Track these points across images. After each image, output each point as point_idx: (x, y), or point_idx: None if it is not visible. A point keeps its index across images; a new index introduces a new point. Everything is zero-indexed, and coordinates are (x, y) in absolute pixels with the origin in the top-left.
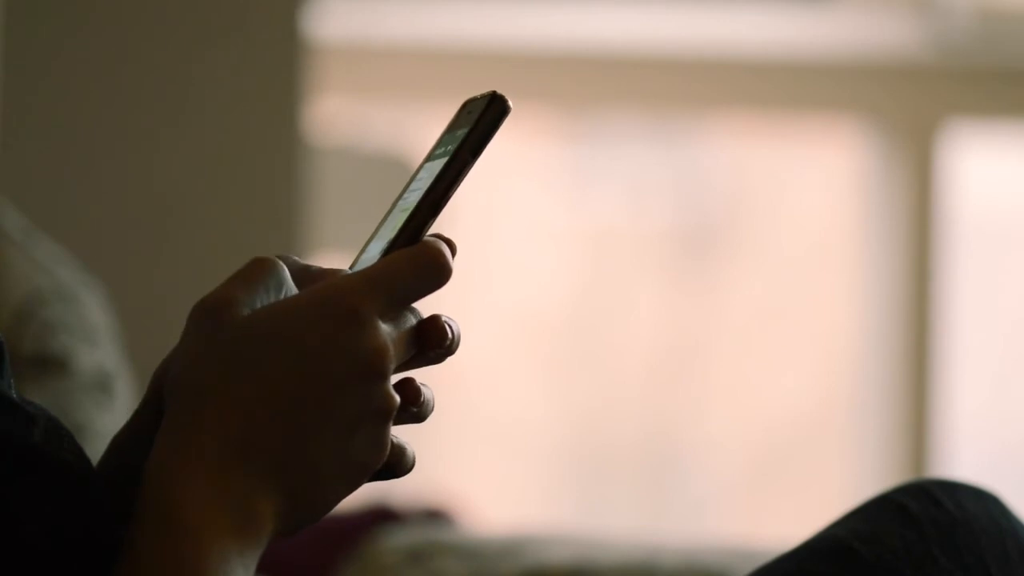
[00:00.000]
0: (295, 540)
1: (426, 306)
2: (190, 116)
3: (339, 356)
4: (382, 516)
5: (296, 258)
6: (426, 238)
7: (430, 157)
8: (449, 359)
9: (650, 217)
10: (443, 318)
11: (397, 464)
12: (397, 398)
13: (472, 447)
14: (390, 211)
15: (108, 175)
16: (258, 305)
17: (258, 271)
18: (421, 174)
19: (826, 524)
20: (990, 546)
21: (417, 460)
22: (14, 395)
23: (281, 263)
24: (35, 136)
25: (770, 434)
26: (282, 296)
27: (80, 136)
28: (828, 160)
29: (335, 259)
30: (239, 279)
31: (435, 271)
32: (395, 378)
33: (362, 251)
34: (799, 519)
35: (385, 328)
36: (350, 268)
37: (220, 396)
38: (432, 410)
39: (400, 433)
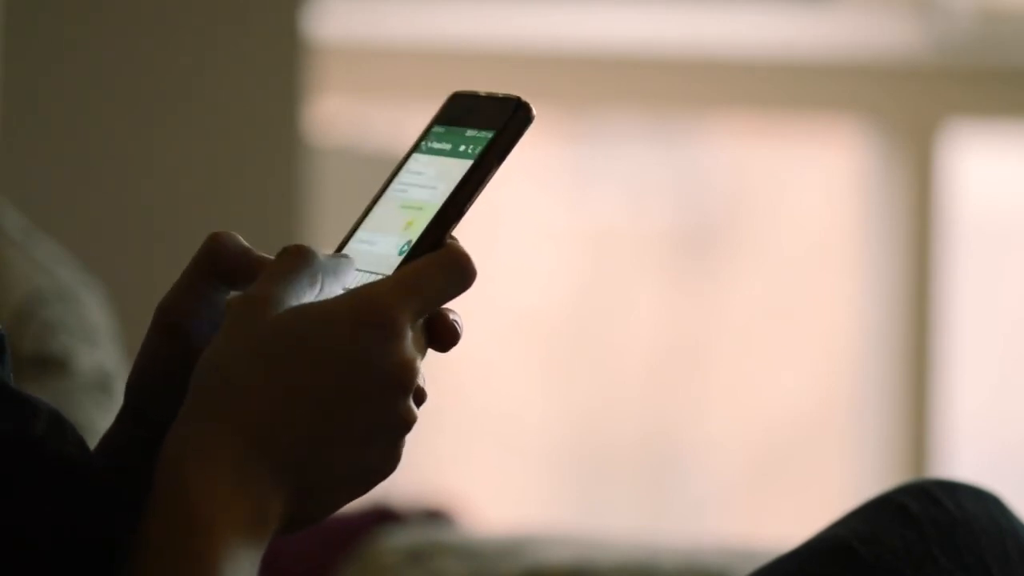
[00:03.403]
0: (295, 540)
1: None
2: (190, 116)
3: (370, 367)
4: (382, 516)
5: (240, 239)
6: (448, 242)
7: (423, 150)
8: (449, 359)
9: (650, 217)
10: (451, 316)
11: None
12: (417, 412)
13: (472, 447)
14: (377, 200)
15: (108, 175)
16: (294, 299)
17: (296, 264)
18: (420, 168)
19: (826, 524)
20: (990, 546)
21: (418, 460)
22: (15, 387)
23: (315, 252)
24: (35, 136)
25: (770, 434)
26: (317, 286)
27: (80, 136)
28: (828, 160)
29: None
30: (279, 275)
31: (464, 276)
32: None
33: (348, 238)
34: (799, 519)
35: (411, 336)
36: (335, 253)
37: (249, 392)
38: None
39: None
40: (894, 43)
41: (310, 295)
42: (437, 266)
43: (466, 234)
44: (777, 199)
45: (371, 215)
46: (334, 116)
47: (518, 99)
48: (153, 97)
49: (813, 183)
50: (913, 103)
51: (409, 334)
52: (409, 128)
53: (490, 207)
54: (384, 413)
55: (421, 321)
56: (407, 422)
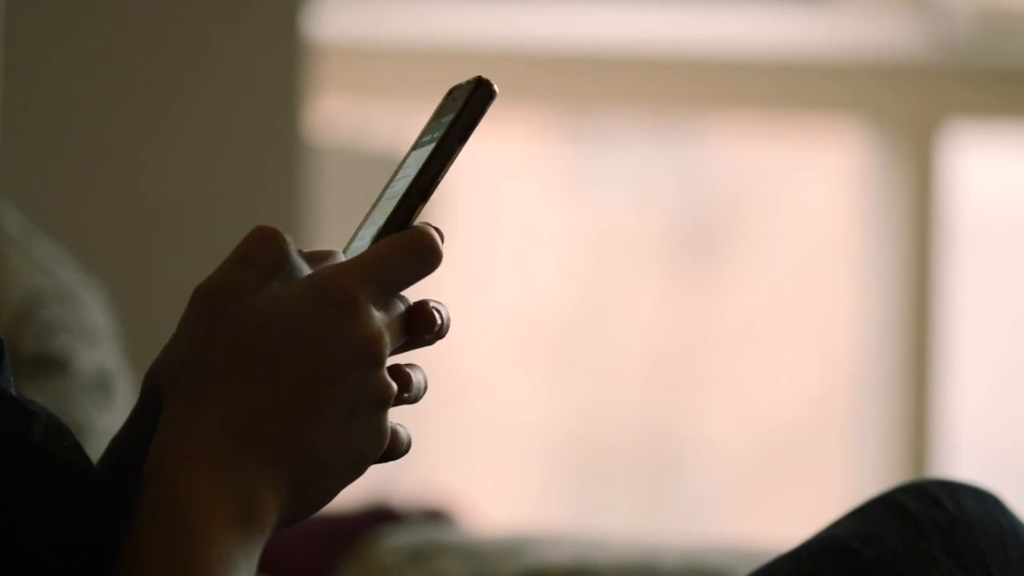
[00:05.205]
0: (295, 540)
1: (422, 295)
2: (190, 116)
3: (335, 345)
4: (382, 516)
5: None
6: (415, 224)
7: (417, 145)
8: (449, 359)
9: (651, 217)
10: (431, 303)
11: (392, 447)
12: (394, 386)
13: (472, 447)
14: (378, 200)
15: (108, 175)
16: (260, 289)
17: (260, 251)
18: (409, 162)
19: (826, 524)
20: (990, 546)
21: (418, 460)
22: (13, 393)
23: (284, 235)
24: (35, 136)
25: (770, 434)
26: (285, 271)
27: (80, 136)
28: (828, 160)
29: None
30: (240, 263)
31: (425, 255)
32: (388, 362)
33: (352, 239)
34: (799, 519)
35: (378, 315)
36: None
37: (222, 388)
38: (425, 391)
39: (394, 416)
40: (894, 43)
41: (274, 286)
42: (397, 245)
43: (468, 235)
44: (777, 199)
45: (370, 214)
46: (334, 116)
47: (479, 78)
48: (153, 97)
49: (813, 183)
50: (913, 103)
51: (373, 311)
52: (409, 128)
53: (491, 208)
54: (357, 388)
55: (402, 307)
56: (384, 396)
